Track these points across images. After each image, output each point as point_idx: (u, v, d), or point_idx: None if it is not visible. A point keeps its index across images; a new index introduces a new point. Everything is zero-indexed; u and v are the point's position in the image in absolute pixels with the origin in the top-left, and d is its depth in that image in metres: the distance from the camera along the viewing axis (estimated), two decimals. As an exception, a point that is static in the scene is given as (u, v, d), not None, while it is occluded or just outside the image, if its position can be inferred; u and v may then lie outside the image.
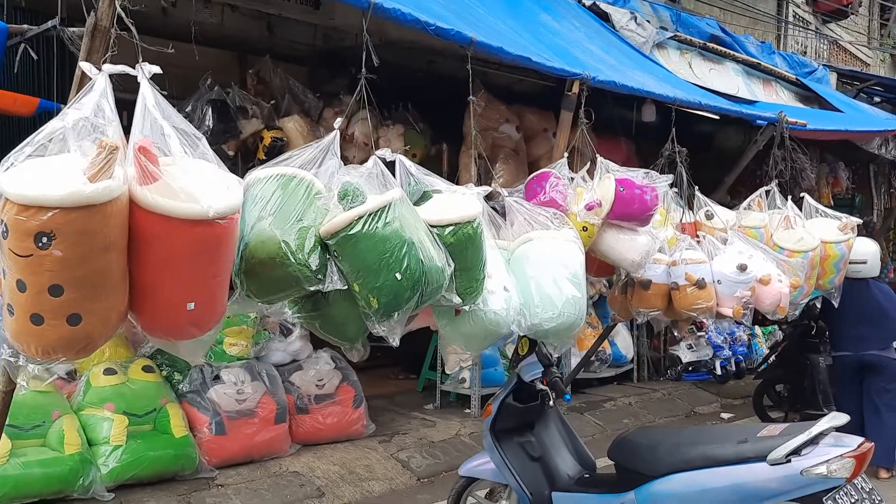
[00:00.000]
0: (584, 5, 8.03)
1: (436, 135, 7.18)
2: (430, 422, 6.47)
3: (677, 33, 8.52)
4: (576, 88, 4.59)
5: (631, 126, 8.29)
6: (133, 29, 2.49)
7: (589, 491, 3.49)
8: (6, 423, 2.81)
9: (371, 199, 2.77)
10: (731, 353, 8.79)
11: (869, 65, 16.23)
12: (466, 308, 3.17)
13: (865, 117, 9.51)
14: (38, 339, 2.09)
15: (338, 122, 3.15)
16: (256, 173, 2.78)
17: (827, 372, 6.06)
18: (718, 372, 8.58)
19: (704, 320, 4.81)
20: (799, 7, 13.84)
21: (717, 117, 8.23)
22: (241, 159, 5.78)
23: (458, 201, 3.17)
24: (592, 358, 7.56)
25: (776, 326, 8.34)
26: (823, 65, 11.81)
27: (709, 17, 10.52)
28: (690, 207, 5.10)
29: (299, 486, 4.96)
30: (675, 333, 6.16)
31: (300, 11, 6.11)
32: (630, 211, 4.10)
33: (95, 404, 4.58)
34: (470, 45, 4.14)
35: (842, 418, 2.90)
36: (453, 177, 6.47)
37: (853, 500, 2.78)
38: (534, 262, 3.54)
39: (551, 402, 3.62)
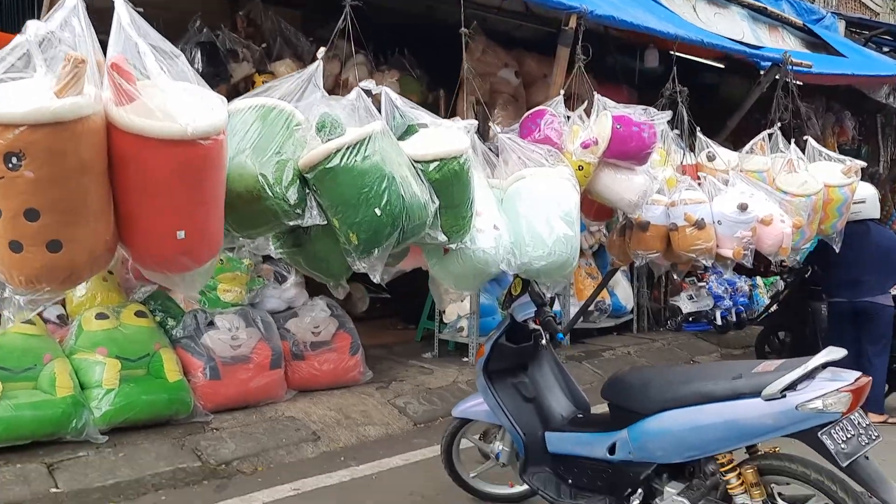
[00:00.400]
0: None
1: (433, 81, 7.04)
2: (428, 369, 6.46)
3: (682, -25, 8.30)
4: (572, 23, 4.47)
5: (634, 75, 8.15)
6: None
7: (582, 430, 3.46)
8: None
9: (350, 131, 2.67)
10: (731, 303, 8.76)
11: (878, 13, 15.88)
12: (453, 247, 3.09)
13: (873, 63, 9.30)
14: (20, 267, 2.03)
15: (321, 51, 3.03)
16: (235, 104, 2.69)
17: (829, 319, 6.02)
18: (719, 322, 8.57)
19: (705, 265, 4.74)
20: (808, -48, 13.47)
21: (721, 66, 8.08)
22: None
23: (445, 136, 3.07)
24: (592, 308, 7.52)
25: (778, 277, 8.28)
26: (832, 12, 11.54)
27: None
28: (692, 150, 5.00)
29: (295, 430, 4.95)
30: (675, 277, 6.09)
31: (293, -48, 5.95)
32: (627, 149, 3.99)
33: (87, 348, 4.55)
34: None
35: (838, 352, 2.83)
36: (450, 123, 6.35)
37: (849, 435, 2.72)
38: (525, 199, 3.46)
39: (544, 342, 3.57)
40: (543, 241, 3.31)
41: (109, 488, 4.03)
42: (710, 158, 4.87)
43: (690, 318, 8.76)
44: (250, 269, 5.54)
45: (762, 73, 6.24)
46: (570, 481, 3.43)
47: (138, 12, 2.23)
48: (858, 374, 2.79)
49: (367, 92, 3.00)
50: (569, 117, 4.14)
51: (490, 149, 3.82)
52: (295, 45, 6.21)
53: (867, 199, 5.60)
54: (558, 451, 3.48)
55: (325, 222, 2.63)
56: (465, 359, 6.72)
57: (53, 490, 3.92)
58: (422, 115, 3.15)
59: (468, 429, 4.01)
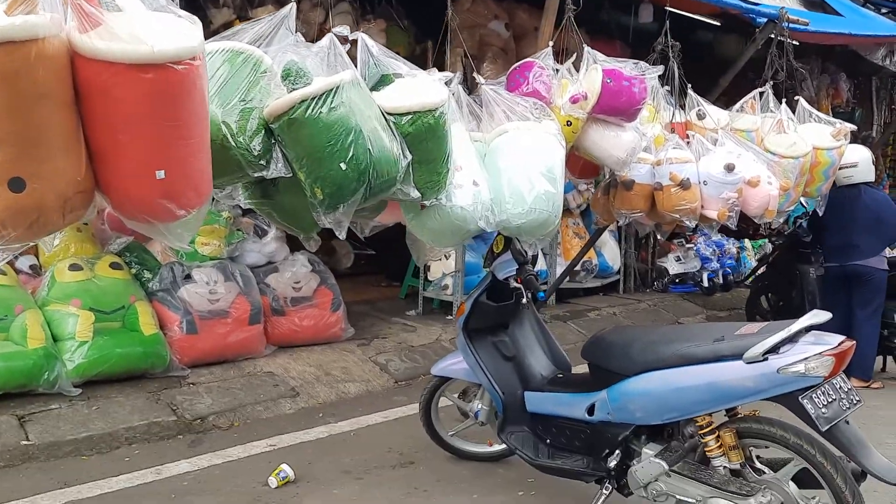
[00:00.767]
0: None
1: (421, 33, 6.86)
2: (411, 327, 6.41)
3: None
4: (563, -28, 4.30)
5: (628, 32, 7.98)
6: None
7: (561, 390, 3.40)
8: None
9: (317, 80, 2.53)
10: (719, 265, 8.73)
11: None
12: (428, 203, 2.99)
13: (871, 23, 9.13)
14: None
15: (295, -9, 2.88)
16: (202, 47, 2.55)
17: (817, 282, 5.96)
18: (706, 284, 8.55)
19: (689, 226, 4.65)
20: None
21: (717, 24, 7.90)
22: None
23: (420, 87, 2.93)
24: (578, 268, 7.46)
25: (766, 240, 8.24)
26: (832, -30, 11.30)
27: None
28: (682, 108, 4.89)
29: (273, 385, 4.90)
30: (659, 237, 6.01)
31: None
32: (617, 104, 3.87)
33: (60, 300, 4.45)
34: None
35: (823, 316, 2.77)
36: (437, 76, 6.19)
37: (830, 400, 2.67)
38: (507, 155, 3.35)
39: (525, 301, 3.50)
40: (523, 197, 3.21)
41: (82, 441, 3.98)
42: (701, 117, 4.76)
43: (677, 280, 8.74)
44: (229, 222, 5.42)
45: (758, 29, 6.09)
46: (548, 441, 3.39)
47: None
48: (842, 337, 2.72)
49: (342, 38, 2.86)
50: (557, 70, 4.01)
51: (475, 101, 3.69)
52: (277, -9, 6.00)
53: (860, 163, 5.50)
54: (537, 411, 3.43)
55: (291, 175, 2.53)
56: (449, 317, 6.66)
57: (24, 442, 3.87)
58: (399, 65, 3.01)
59: (447, 387, 3.97)
